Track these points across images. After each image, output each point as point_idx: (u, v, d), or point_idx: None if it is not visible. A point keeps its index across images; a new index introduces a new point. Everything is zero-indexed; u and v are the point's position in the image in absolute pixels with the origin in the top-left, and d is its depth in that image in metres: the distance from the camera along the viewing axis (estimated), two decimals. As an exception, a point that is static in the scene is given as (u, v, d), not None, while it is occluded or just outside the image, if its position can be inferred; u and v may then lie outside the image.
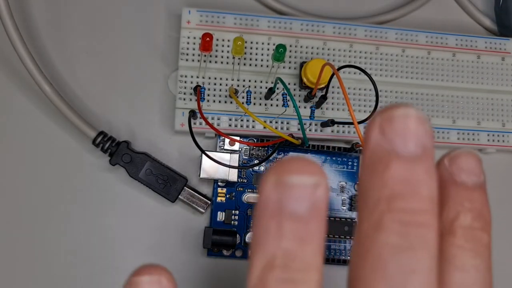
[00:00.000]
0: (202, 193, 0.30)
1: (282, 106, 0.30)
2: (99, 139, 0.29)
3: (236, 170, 0.29)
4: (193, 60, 0.30)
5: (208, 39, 0.26)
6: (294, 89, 0.30)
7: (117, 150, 0.29)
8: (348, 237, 0.30)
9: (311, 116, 0.30)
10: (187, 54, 0.30)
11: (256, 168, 0.30)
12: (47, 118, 0.30)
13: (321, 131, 0.30)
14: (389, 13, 0.34)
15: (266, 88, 0.30)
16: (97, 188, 0.30)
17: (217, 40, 0.30)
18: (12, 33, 0.27)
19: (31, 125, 0.30)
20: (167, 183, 0.29)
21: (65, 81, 0.31)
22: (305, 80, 0.29)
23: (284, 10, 0.33)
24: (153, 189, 0.29)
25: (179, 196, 0.29)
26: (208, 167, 0.29)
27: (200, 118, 0.29)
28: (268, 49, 0.30)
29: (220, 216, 0.30)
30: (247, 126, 0.30)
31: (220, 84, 0.30)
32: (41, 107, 0.30)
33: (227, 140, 0.30)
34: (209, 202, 0.30)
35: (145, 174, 0.29)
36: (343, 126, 0.30)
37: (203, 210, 0.30)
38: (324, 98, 0.29)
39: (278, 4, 0.33)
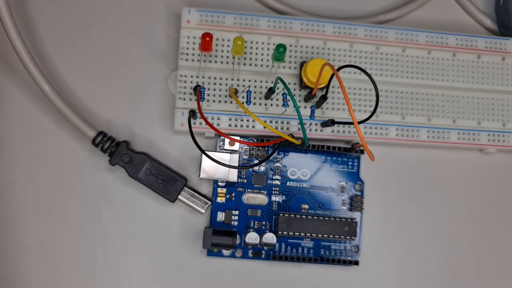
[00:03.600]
0: (202, 193, 0.30)
1: (282, 106, 0.30)
2: (98, 139, 0.29)
3: (236, 170, 0.29)
4: (193, 60, 0.30)
5: (208, 38, 0.26)
6: (294, 89, 0.30)
7: (117, 150, 0.29)
8: (348, 237, 0.30)
9: (311, 116, 0.30)
10: (187, 54, 0.30)
11: (256, 168, 0.30)
12: (47, 117, 0.30)
13: (321, 131, 0.30)
14: (390, 13, 0.33)
15: (266, 88, 0.30)
16: (97, 187, 0.30)
17: (217, 40, 0.30)
18: (11, 32, 0.27)
19: (31, 124, 0.30)
20: (167, 183, 0.29)
21: (65, 81, 0.31)
22: (305, 80, 0.29)
23: (284, 10, 0.33)
24: (153, 189, 0.29)
25: (179, 196, 0.29)
26: (208, 167, 0.29)
27: (200, 118, 0.29)
28: (268, 49, 0.30)
29: (220, 216, 0.30)
30: (247, 126, 0.30)
31: (220, 84, 0.30)
32: (41, 107, 0.30)
33: (227, 140, 0.30)
34: (209, 202, 0.30)
35: (145, 174, 0.29)
36: (343, 126, 0.30)
37: (203, 210, 0.30)
38: (324, 98, 0.29)
39: (278, 4, 0.33)
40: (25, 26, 0.31)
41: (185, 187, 0.29)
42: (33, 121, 0.30)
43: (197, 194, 0.30)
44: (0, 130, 0.30)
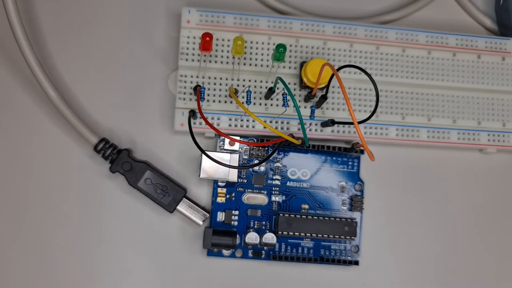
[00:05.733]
0: (201, 205, 0.30)
1: (282, 106, 0.30)
2: (100, 145, 0.29)
3: (236, 170, 0.29)
4: (193, 60, 0.30)
5: (208, 38, 0.26)
6: (294, 89, 0.30)
7: (118, 158, 0.29)
8: (348, 237, 0.30)
9: (311, 116, 0.30)
10: (187, 54, 0.30)
11: (256, 168, 0.30)
12: (48, 120, 0.30)
13: (321, 131, 0.30)
14: (391, 14, 0.33)
15: (266, 88, 0.30)
16: (97, 194, 0.30)
17: (217, 40, 0.30)
18: (21, 39, 0.27)
19: (32, 126, 0.30)
20: (166, 193, 0.29)
21: (64, 80, 0.31)
22: (305, 80, 0.29)
23: (284, 10, 0.33)
24: (152, 199, 0.29)
25: (177, 207, 0.29)
26: (208, 167, 0.29)
27: (200, 118, 0.29)
28: (268, 49, 0.30)
29: (220, 216, 0.30)
30: (247, 126, 0.30)
31: (220, 84, 0.30)
32: (43, 108, 0.30)
33: (227, 140, 0.30)
34: (207, 214, 0.30)
35: (145, 183, 0.29)
36: (343, 126, 0.30)
37: (200, 222, 0.29)
38: (324, 98, 0.29)
39: (279, 4, 0.33)
40: (32, 32, 0.31)
41: (184, 198, 0.29)
42: (35, 123, 0.30)
43: (195, 206, 0.30)
44: (2, 132, 0.30)
